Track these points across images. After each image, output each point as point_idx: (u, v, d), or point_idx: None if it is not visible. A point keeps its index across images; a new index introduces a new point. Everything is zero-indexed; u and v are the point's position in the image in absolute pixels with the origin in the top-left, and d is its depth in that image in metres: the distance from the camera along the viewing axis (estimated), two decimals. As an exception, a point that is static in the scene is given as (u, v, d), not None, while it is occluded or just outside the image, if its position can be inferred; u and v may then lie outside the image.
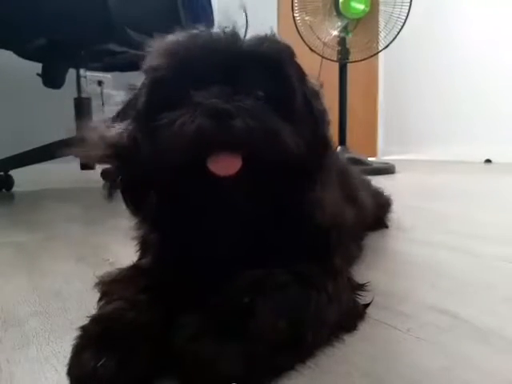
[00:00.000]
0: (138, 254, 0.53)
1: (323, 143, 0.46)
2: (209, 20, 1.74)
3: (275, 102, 0.41)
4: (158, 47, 0.43)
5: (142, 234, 0.51)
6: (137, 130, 0.42)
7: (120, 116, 0.46)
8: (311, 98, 0.46)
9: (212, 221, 0.43)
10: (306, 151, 0.41)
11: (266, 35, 0.43)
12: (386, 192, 0.99)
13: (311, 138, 0.43)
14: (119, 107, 0.47)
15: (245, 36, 0.42)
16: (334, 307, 0.41)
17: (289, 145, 0.39)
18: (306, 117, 0.44)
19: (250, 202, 0.41)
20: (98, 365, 0.31)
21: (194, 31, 0.43)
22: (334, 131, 2.38)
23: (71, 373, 0.33)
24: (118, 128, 0.43)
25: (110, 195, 0.45)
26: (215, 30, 0.43)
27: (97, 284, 0.45)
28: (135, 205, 0.45)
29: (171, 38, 0.43)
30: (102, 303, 0.41)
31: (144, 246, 0.52)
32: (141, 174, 0.41)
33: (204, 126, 0.35)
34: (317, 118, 0.45)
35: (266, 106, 0.40)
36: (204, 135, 0.35)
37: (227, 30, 0.42)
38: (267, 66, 0.42)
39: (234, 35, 0.42)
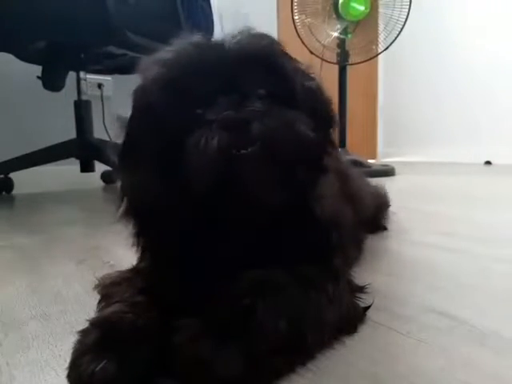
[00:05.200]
0: (138, 256, 0.53)
1: (328, 137, 0.46)
2: (208, 22, 1.75)
3: (278, 99, 0.41)
4: (146, 75, 0.42)
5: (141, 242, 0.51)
6: (151, 175, 0.40)
7: (126, 161, 0.43)
8: (312, 90, 0.45)
9: (230, 220, 0.42)
10: (316, 143, 0.41)
11: (250, 32, 0.43)
12: (386, 191, 0.99)
13: (317, 132, 0.43)
14: (119, 149, 0.44)
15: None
16: (334, 309, 0.41)
17: (307, 135, 0.39)
18: (310, 109, 0.43)
19: (267, 197, 0.40)
20: (98, 368, 0.31)
21: (178, 47, 0.42)
22: (334, 133, 2.39)
23: (71, 376, 0.33)
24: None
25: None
26: (197, 39, 0.42)
27: (96, 286, 0.45)
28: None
29: (155, 61, 0.41)
30: (101, 306, 0.41)
31: (143, 249, 0.52)
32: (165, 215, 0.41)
33: (225, 140, 0.35)
34: (321, 110, 0.45)
35: (272, 103, 0.40)
36: (227, 149, 0.35)
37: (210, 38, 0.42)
38: (261, 64, 0.42)
39: (218, 42, 0.42)
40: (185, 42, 0.42)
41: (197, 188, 0.37)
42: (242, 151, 0.36)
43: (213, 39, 0.43)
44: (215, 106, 0.38)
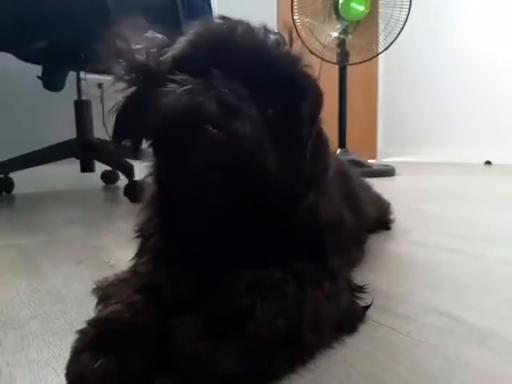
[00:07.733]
0: (136, 249, 0.52)
1: (313, 180, 0.45)
2: (208, 22, 1.74)
3: (280, 125, 0.41)
4: (198, 28, 0.43)
5: (141, 221, 0.52)
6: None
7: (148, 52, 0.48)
8: (317, 138, 0.46)
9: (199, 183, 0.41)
10: (291, 177, 0.41)
11: (298, 57, 0.44)
12: (386, 196, 0.99)
13: (301, 168, 0.43)
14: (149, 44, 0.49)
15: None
16: (331, 306, 0.41)
17: (268, 167, 0.39)
18: (303, 150, 0.43)
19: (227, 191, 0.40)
20: (96, 366, 0.31)
21: (235, 23, 0.43)
22: (333, 133, 2.39)
23: (69, 374, 0.33)
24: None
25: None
26: (255, 26, 0.43)
27: (94, 290, 0.45)
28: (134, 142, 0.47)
29: (212, 23, 0.43)
30: (99, 307, 0.41)
31: (142, 244, 0.52)
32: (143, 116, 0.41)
33: (207, 107, 0.35)
34: (315, 158, 0.45)
35: (270, 124, 0.40)
36: (202, 112, 0.35)
37: (265, 32, 0.42)
38: (291, 91, 0.42)
39: (267, 42, 0.42)
40: (239, 24, 0.43)
41: (156, 124, 0.38)
42: (211, 129, 0.35)
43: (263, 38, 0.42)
44: (224, 81, 0.38)
